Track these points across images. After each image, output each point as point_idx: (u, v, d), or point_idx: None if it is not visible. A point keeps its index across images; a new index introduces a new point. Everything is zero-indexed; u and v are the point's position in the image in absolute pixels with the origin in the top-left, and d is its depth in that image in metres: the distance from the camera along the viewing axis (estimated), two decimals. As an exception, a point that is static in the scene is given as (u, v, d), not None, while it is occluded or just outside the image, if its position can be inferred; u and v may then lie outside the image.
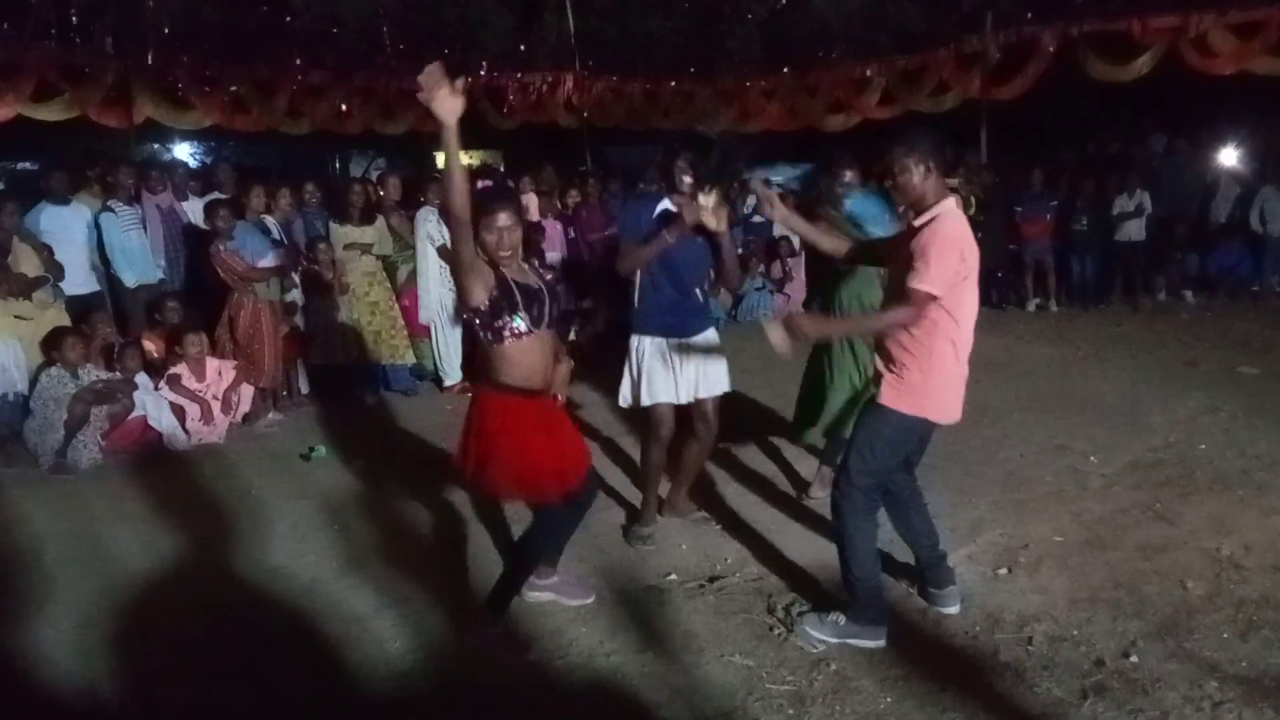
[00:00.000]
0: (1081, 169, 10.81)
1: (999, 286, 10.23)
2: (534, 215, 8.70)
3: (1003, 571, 3.85)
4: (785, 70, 12.19)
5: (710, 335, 4.22)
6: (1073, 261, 10.10)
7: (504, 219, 3.14)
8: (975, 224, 6.97)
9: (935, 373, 3.22)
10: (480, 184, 3.39)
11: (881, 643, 3.29)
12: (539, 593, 3.68)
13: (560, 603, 3.67)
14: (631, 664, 3.26)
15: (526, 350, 3.17)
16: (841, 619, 3.32)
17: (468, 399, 3.61)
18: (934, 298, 3.10)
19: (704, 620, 3.54)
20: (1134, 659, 3.14)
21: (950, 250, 3.11)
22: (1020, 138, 12.59)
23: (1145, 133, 11.95)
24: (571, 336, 8.29)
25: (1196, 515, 4.32)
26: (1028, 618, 3.45)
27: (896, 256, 3.29)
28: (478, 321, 3.16)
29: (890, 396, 3.26)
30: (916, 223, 3.20)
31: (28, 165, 14.67)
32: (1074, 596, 3.60)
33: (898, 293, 3.22)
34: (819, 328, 3.53)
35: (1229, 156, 10.71)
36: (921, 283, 3.09)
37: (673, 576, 3.92)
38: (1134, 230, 9.87)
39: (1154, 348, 7.96)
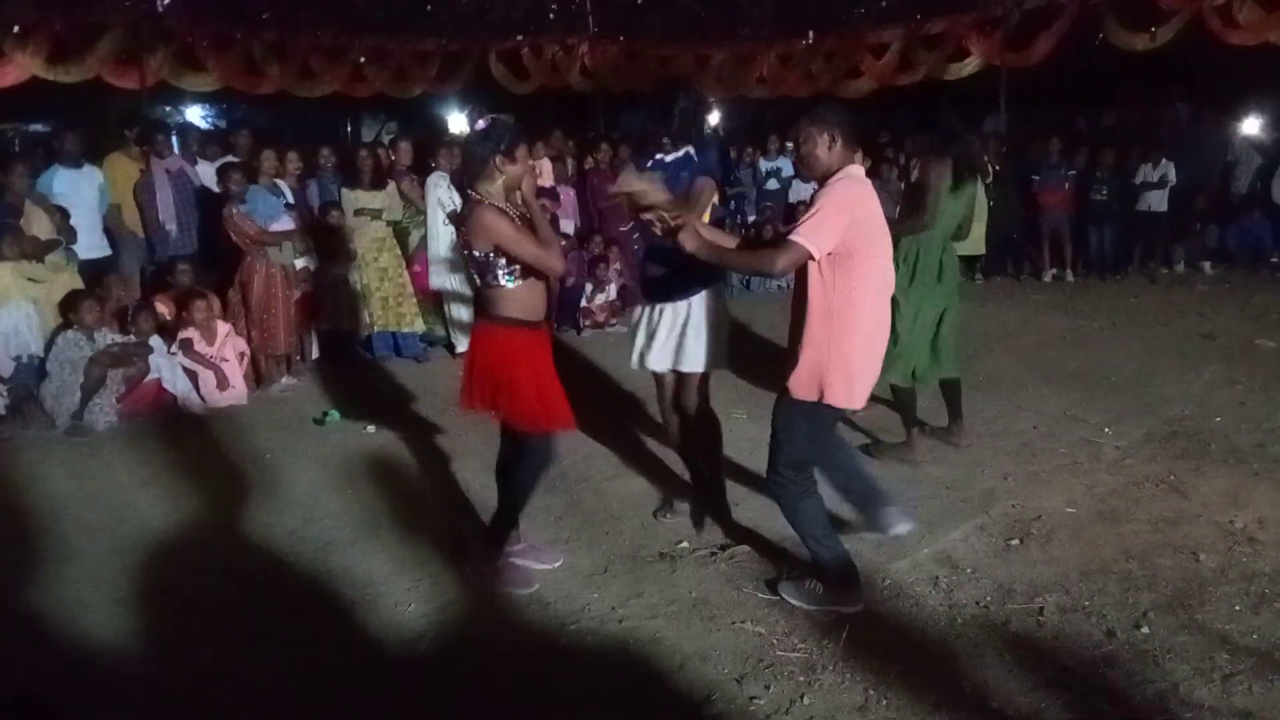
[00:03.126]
0: (1101, 138, 10.68)
1: (1015, 257, 10.16)
2: (547, 180, 8.65)
3: (1014, 542, 3.85)
4: (802, 35, 12.03)
5: (687, 306, 3.92)
6: (1091, 232, 10.01)
7: (525, 150, 3.34)
8: (988, 191, 6.95)
9: (835, 357, 3.15)
10: (481, 122, 3.37)
11: (859, 607, 3.33)
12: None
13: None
14: (643, 630, 3.29)
15: (533, 286, 3.37)
16: (819, 587, 3.35)
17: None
18: (809, 255, 3.05)
19: (716, 588, 3.56)
20: (1145, 630, 3.14)
21: (839, 210, 3.06)
22: (1040, 106, 12.44)
23: (1167, 102, 11.77)
24: (584, 303, 8.29)
25: (1210, 488, 4.31)
26: (1039, 589, 3.46)
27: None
28: (503, 260, 3.27)
29: (794, 384, 3.22)
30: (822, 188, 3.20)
31: (39, 127, 14.67)
32: (1086, 568, 3.60)
33: (801, 270, 3.15)
34: (698, 243, 3.17)
35: (1251, 127, 10.56)
36: (798, 234, 3.04)
37: (684, 544, 3.93)
38: (1155, 200, 9.76)
39: (1171, 319, 7.90)
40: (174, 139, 7.65)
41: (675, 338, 3.88)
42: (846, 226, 3.05)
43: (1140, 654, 3.02)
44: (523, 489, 3.57)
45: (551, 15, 11.09)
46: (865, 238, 3.11)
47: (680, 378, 3.98)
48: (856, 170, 3.20)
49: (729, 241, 3.44)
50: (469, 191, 3.36)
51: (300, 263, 6.85)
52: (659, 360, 3.95)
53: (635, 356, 4.05)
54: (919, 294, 4.67)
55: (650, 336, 3.96)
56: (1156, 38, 9.68)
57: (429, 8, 10.28)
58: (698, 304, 3.86)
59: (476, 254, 3.31)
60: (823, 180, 3.20)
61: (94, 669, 3.21)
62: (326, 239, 6.96)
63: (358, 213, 7.07)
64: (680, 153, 3.99)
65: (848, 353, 3.15)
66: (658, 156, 3.99)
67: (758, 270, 3.15)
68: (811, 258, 3.06)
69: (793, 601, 3.37)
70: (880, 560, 3.73)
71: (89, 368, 5.74)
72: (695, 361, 3.88)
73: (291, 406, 6.24)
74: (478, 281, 3.40)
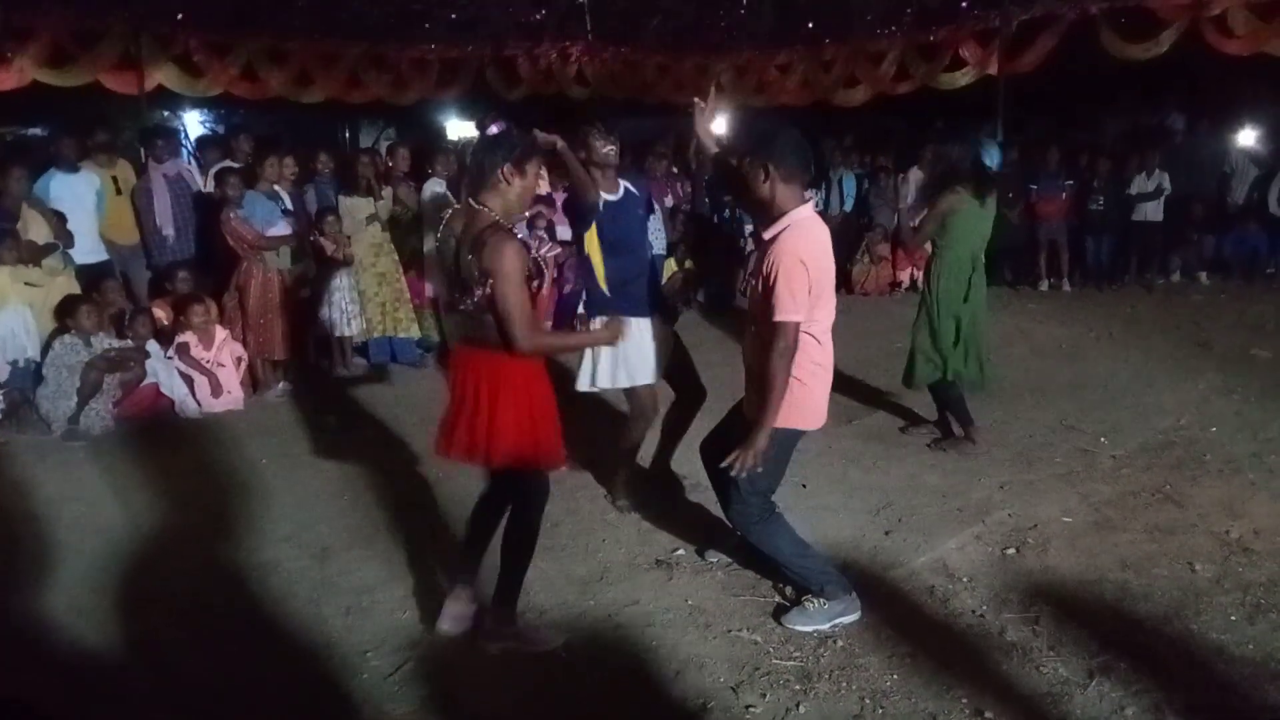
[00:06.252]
0: (1099, 148, 10.71)
1: (1013, 266, 10.18)
2: (543, 188, 8.64)
3: (1011, 551, 3.85)
4: (801, 44, 12.05)
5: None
6: (1088, 241, 10.04)
7: (536, 165, 3.11)
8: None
9: (801, 382, 3.19)
10: (495, 127, 3.17)
11: (859, 612, 3.32)
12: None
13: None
14: (639, 637, 3.28)
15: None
16: (824, 602, 3.31)
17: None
18: (799, 322, 3.08)
19: (711, 596, 3.56)
20: (1141, 640, 3.14)
21: (796, 269, 3.05)
22: (1037, 116, 12.46)
23: (1164, 113, 11.82)
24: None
25: (1206, 498, 4.32)
26: (1035, 598, 3.46)
27: (757, 260, 3.25)
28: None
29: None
30: (765, 235, 3.18)
31: (37, 131, 14.65)
32: (1082, 577, 3.61)
33: (761, 314, 3.17)
34: (762, 442, 3.13)
35: (1247, 138, 10.60)
36: (787, 314, 3.06)
37: (680, 552, 3.93)
38: (1151, 210, 9.80)
39: (1167, 329, 7.92)
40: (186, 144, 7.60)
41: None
42: (806, 275, 3.06)
43: (1136, 664, 3.01)
44: (529, 537, 3.21)
45: (542, 20, 11.08)
46: (817, 286, 3.11)
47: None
48: (800, 214, 3.16)
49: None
50: (472, 201, 3.05)
51: (298, 268, 6.85)
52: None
53: (651, 371, 4.18)
54: (945, 307, 5.02)
55: (648, 348, 4.14)
56: (1153, 48, 9.70)
57: (428, 13, 10.27)
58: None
59: (478, 274, 2.93)
60: (766, 216, 3.20)
61: (88, 675, 3.20)
62: (323, 244, 6.96)
63: (369, 219, 7.06)
64: (621, 192, 4.11)
65: (804, 382, 3.20)
66: (607, 198, 4.05)
67: (789, 365, 3.08)
68: (800, 322, 3.09)
69: (806, 629, 3.28)
70: (876, 569, 3.73)
71: (86, 372, 5.73)
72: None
73: (287, 412, 6.23)
74: (465, 300, 3.01)
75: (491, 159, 3.02)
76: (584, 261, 4.16)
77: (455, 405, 3.12)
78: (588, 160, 4.00)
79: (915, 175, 9.69)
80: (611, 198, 4.07)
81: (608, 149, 4.00)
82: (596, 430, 5.32)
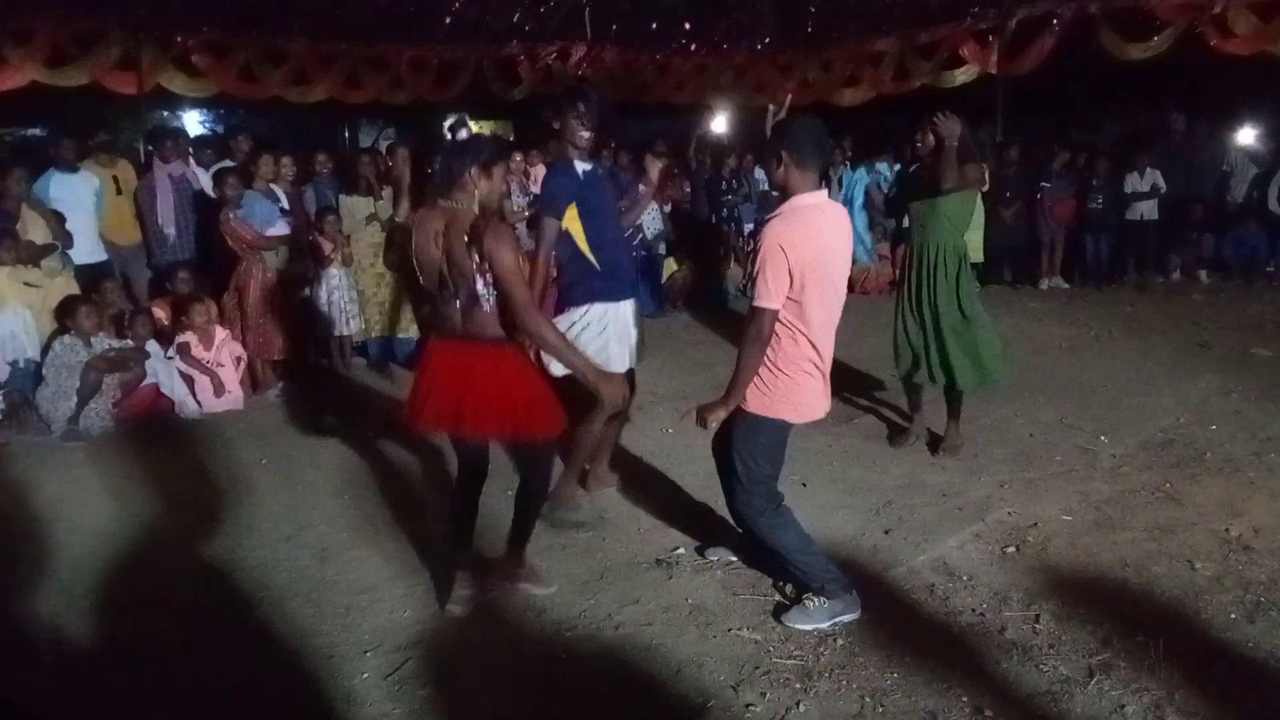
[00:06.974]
0: (1098, 148, 10.71)
1: (1013, 266, 10.19)
2: (543, 187, 8.64)
3: (1011, 550, 3.86)
4: (800, 44, 12.07)
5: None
6: (1087, 241, 10.05)
7: (502, 169, 3.31)
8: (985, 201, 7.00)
9: (785, 374, 3.21)
10: (463, 134, 3.34)
11: (859, 611, 3.32)
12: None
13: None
14: (639, 636, 3.28)
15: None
16: (824, 601, 3.31)
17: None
18: (775, 310, 3.11)
19: (712, 594, 3.56)
20: (1141, 639, 3.14)
21: (774, 256, 3.07)
22: (1037, 116, 12.47)
23: (1164, 112, 11.82)
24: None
25: (1206, 497, 4.32)
26: (1035, 596, 3.46)
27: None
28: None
29: (751, 402, 3.25)
30: (767, 217, 3.25)
31: (36, 131, 14.66)
32: (1082, 576, 3.61)
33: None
34: (717, 411, 3.28)
35: (1246, 137, 10.60)
36: (759, 300, 3.12)
37: (680, 551, 3.93)
38: (1146, 209, 9.80)
39: (1167, 328, 7.92)
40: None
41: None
42: (790, 265, 3.07)
43: (1136, 662, 3.02)
44: (541, 494, 3.59)
45: (541, 21, 11.08)
46: (800, 275, 3.10)
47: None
48: (803, 201, 3.17)
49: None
50: (441, 201, 3.21)
51: (296, 268, 6.84)
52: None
53: (626, 358, 4.20)
54: (928, 300, 4.90)
55: (630, 335, 4.22)
56: (1152, 47, 9.70)
57: (427, 14, 10.27)
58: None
59: (478, 264, 3.11)
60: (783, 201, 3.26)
61: (88, 675, 3.20)
62: (321, 244, 6.96)
63: (369, 219, 7.05)
64: (590, 164, 4.16)
65: (791, 375, 3.21)
66: (583, 167, 4.10)
67: (758, 352, 3.13)
68: (776, 310, 3.12)
69: (806, 627, 3.29)
70: (877, 568, 3.73)
71: (85, 373, 5.73)
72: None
73: (287, 412, 6.23)
74: (459, 295, 3.19)
75: (460, 162, 3.20)
76: (567, 245, 4.12)
77: (427, 384, 3.28)
78: (562, 135, 4.08)
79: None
80: (588, 167, 4.14)
81: (583, 133, 4.05)
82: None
